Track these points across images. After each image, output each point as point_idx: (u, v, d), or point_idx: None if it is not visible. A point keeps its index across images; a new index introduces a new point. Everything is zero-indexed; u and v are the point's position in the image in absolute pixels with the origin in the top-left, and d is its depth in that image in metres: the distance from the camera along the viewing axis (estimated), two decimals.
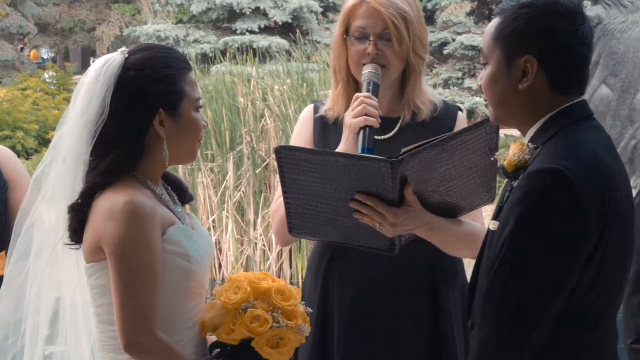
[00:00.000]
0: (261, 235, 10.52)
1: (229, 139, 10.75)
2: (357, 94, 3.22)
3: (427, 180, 2.95)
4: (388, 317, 3.27)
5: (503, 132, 13.42)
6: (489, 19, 17.07)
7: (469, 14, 20.71)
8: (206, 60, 17.67)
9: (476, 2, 20.62)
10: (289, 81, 11.08)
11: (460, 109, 3.42)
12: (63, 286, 2.96)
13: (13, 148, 14.65)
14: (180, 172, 10.20)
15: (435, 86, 19.01)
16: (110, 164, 2.77)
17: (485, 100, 2.64)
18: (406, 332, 3.27)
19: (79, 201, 2.79)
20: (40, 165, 2.94)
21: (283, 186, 3.02)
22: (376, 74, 3.24)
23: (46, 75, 25.10)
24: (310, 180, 2.95)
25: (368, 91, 3.22)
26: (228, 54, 14.96)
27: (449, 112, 3.37)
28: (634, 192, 2.66)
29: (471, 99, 18.44)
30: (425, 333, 3.29)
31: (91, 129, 2.79)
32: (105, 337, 2.80)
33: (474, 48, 18.96)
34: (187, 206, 3.03)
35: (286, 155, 2.97)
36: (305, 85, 11.07)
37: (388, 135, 3.31)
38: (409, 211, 2.97)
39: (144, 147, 2.79)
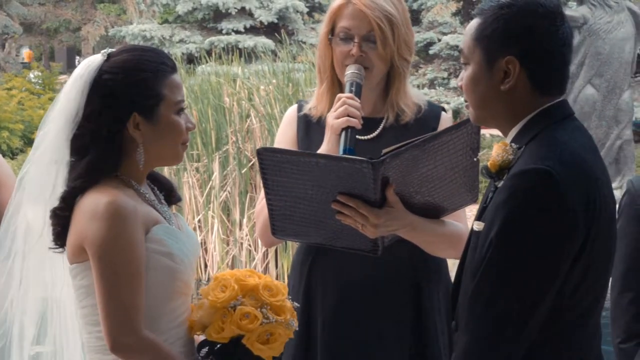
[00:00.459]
0: (247, 235, 10.50)
1: (214, 138, 10.73)
2: (340, 95, 3.22)
3: (408, 180, 2.95)
4: (371, 317, 3.27)
5: (488, 132, 13.45)
6: None
7: (455, 14, 20.72)
8: (192, 60, 17.64)
9: (462, 2, 20.61)
10: (274, 81, 11.06)
11: (444, 109, 3.41)
12: (50, 286, 2.96)
13: None
14: (166, 171, 10.16)
15: (420, 86, 19.00)
16: (87, 165, 2.77)
17: (466, 101, 2.62)
18: (389, 332, 3.27)
19: (61, 205, 2.79)
20: (25, 165, 2.95)
21: (265, 188, 3.01)
22: (359, 74, 3.23)
23: (31, 75, 25.01)
24: (292, 181, 2.95)
25: (350, 92, 3.21)
26: (213, 54, 14.92)
27: (432, 112, 3.37)
28: (620, 192, 2.67)
29: (457, 99, 18.42)
30: (408, 333, 3.29)
31: (69, 130, 2.80)
32: (92, 338, 2.80)
33: (459, 48, 18.92)
34: (173, 206, 3.03)
35: (268, 156, 2.96)
36: (290, 85, 11.05)
37: (371, 135, 3.31)
38: (390, 212, 2.96)
39: (120, 150, 2.80)
